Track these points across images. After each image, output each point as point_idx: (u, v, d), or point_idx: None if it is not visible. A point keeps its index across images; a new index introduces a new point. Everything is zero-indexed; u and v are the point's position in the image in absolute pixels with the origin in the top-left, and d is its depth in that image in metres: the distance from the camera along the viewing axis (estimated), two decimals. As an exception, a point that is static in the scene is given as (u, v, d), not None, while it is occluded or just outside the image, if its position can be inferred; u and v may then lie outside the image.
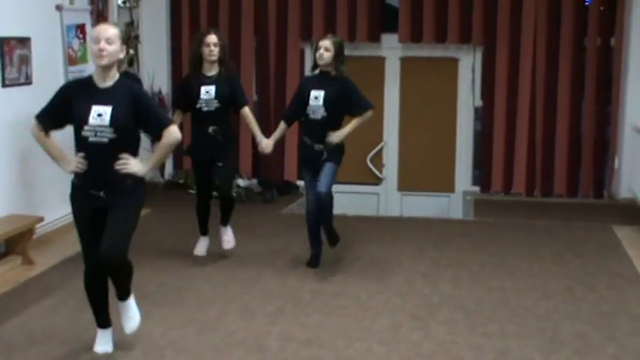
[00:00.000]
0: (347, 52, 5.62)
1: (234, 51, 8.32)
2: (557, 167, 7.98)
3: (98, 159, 3.88)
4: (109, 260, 3.92)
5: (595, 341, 4.41)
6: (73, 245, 6.16)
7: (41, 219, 5.96)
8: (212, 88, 5.58)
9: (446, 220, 7.75)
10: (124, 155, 3.89)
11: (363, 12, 8.03)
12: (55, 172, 6.43)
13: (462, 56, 8.22)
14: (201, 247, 5.96)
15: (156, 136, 4.06)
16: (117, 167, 3.87)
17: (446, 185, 8.40)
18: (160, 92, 8.30)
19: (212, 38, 5.57)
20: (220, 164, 5.66)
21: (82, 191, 3.96)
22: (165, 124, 4.02)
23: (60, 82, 6.53)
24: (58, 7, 6.44)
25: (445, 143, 8.32)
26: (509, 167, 8.07)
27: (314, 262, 5.75)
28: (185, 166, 8.52)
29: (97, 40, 3.85)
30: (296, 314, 4.81)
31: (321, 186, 5.47)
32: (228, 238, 5.93)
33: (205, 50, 5.57)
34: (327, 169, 5.52)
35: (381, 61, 8.35)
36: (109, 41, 3.83)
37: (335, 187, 8.18)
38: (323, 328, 4.59)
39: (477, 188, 8.27)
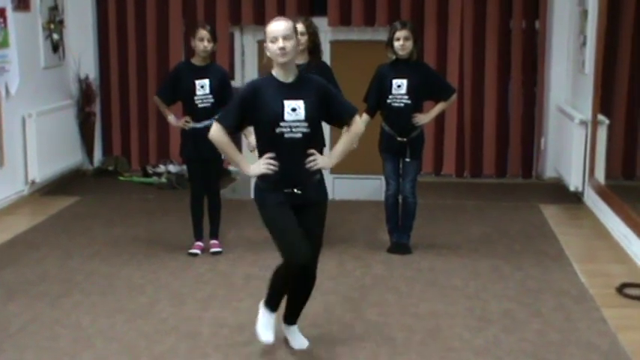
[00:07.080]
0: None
1: (162, 36, 8.22)
2: (486, 148, 8.12)
3: (292, 155, 3.81)
4: (312, 266, 3.93)
5: (521, 318, 4.51)
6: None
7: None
8: None
9: (378, 202, 7.79)
10: (311, 151, 3.85)
11: (292, -5, 7.98)
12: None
13: (391, 39, 8.25)
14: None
15: (344, 124, 3.99)
16: (307, 166, 3.83)
17: (378, 168, 8.41)
18: (87, 78, 8.12)
19: (298, 27, 5.43)
20: None
21: (274, 192, 3.86)
22: (354, 111, 3.98)
23: (-20, 67, 6.36)
24: (-23, -10, 6.25)
25: (375, 126, 8.32)
26: (439, 149, 8.17)
27: (395, 249, 5.70)
28: (115, 152, 8.40)
29: (274, 39, 3.75)
30: (228, 300, 4.80)
31: (407, 190, 5.63)
32: None
33: None
34: (412, 169, 5.64)
35: (310, 44, 8.31)
36: (286, 38, 3.74)
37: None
38: (255, 313, 4.52)
39: (408, 170, 8.33)
